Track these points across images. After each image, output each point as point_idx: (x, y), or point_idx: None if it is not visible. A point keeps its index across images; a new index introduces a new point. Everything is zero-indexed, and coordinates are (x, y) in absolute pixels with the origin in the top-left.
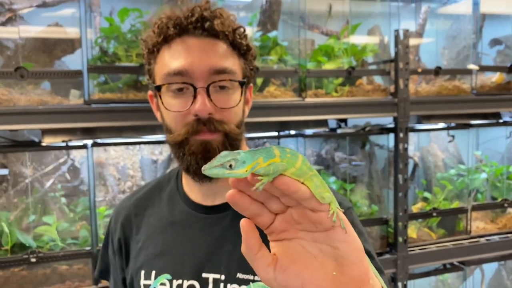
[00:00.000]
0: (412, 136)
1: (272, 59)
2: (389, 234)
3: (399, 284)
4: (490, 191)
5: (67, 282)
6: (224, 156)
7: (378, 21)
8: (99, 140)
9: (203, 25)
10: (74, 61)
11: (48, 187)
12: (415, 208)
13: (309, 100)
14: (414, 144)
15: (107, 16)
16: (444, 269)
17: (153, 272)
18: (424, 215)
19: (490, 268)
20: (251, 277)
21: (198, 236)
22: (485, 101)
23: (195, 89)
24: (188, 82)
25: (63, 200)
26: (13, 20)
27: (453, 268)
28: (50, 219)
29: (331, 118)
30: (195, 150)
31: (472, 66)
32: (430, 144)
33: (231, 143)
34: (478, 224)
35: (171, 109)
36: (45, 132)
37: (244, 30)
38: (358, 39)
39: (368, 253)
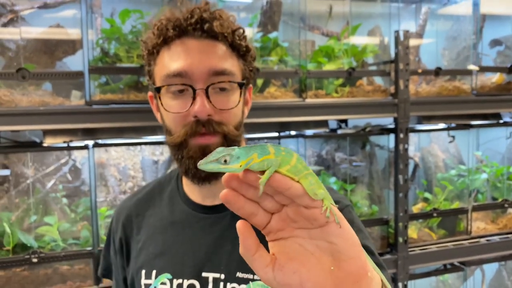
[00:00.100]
0: (412, 137)
1: (272, 60)
2: (390, 234)
3: (400, 285)
4: (491, 192)
5: (68, 282)
6: (219, 151)
7: (378, 22)
8: (100, 141)
9: (202, 27)
10: (75, 62)
11: (49, 188)
12: (416, 209)
13: (309, 100)
14: (415, 145)
15: (108, 17)
16: (445, 270)
17: (154, 272)
18: (424, 216)
19: (490, 269)
20: (250, 276)
21: (198, 236)
22: (485, 102)
23: (194, 90)
24: (188, 84)
25: (65, 200)
26: (14, 21)
27: (454, 268)
28: (51, 219)
29: (332, 119)
30: (193, 154)
31: (472, 67)
32: (431, 145)
33: (230, 145)
34: (479, 224)
35: (171, 110)
36: (46, 132)
37: (244, 31)
38: (359, 40)
39: (368, 249)
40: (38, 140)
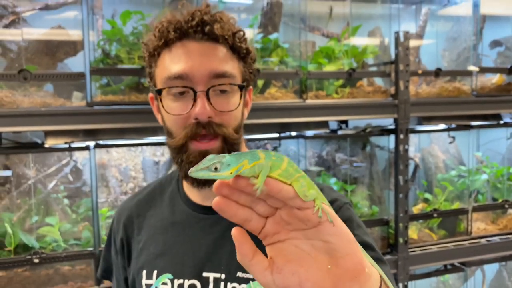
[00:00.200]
0: (412, 137)
1: (273, 61)
2: (390, 235)
3: (400, 285)
4: (491, 192)
5: (70, 282)
6: (210, 159)
7: (378, 23)
8: (101, 142)
9: (203, 29)
10: (76, 64)
11: (50, 188)
12: (416, 209)
13: (310, 101)
14: (415, 145)
15: (110, 19)
16: (445, 270)
17: (155, 272)
18: (424, 216)
19: (491, 269)
20: (251, 276)
21: (198, 236)
22: (486, 103)
23: (195, 92)
24: (188, 86)
25: (66, 201)
26: (16, 22)
27: (454, 269)
28: (52, 220)
29: (332, 120)
30: (193, 159)
31: (472, 68)
32: (431, 145)
33: (229, 148)
34: (479, 225)
35: (172, 112)
36: (48, 133)
37: (244, 34)
38: (359, 41)
39: (367, 244)
40: (39, 141)
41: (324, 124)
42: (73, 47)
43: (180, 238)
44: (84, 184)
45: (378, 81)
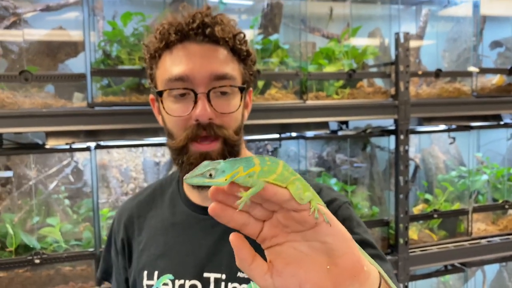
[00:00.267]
0: (413, 138)
1: (273, 62)
2: (390, 235)
3: (401, 286)
4: (491, 193)
5: (71, 283)
6: (205, 165)
7: (378, 24)
8: (102, 143)
9: (204, 31)
10: (77, 65)
11: (51, 189)
12: (416, 210)
13: (310, 102)
14: (415, 146)
15: (110, 20)
16: (445, 271)
17: (156, 273)
18: (425, 217)
19: (491, 270)
20: None
21: (199, 236)
22: (486, 103)
23: (196, 94)
24: (189, 88)
25: (67, 201)
26: (17, 24)
27: (454, 269)
28: (53, 220)
29: (332, 120)
30: (193, 161)
31: (473, 69)
32: (431, 146)
33: (229, 150)
34: (479, 225)
35: (173, 114)
36: (49, 134)
37: (244, 36)
38: (359, 41)
39: (368, 242)
40: (40, 142)
41: (325, 125)
42: (74, 48)
43: (180, 239)
44: (85, 184)
45: (378, 82)
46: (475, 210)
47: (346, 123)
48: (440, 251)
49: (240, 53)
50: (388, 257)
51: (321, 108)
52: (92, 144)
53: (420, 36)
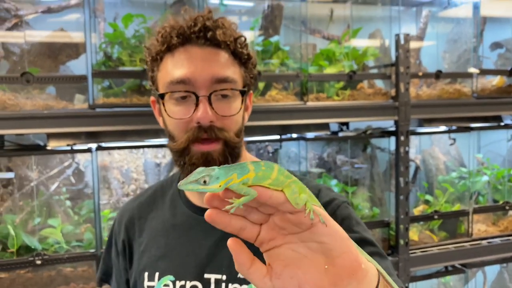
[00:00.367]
0: (413, 139)
1: (274, 64)
2: (391, 236)
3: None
4: (492, 194)
5: (72, 284)
6: (199, 172)
7: (379, 25)
8: (103, 144)
9: (205, 35)
10: (78, 66)
11: (53, 190)
12: (417, 211)
13: (310, 104)
14: (416, 147)
15: (111, 22)
16: (446, 272)
17: (157, 274)
18: (425, 218)
19: (492, 271)
20: None
21: (199, 238)
22: (486, 105)
23: (197, 97)
24: (191, 91)
25: (68, 203)
26: (19, 25)
27: (455, 270)
28: (55, 221)
29: (333, 122)
30: (195, 161)
31: (473, 70)
32: (432, 147)
33: (230, 152)
34: (480, 226)
35: (174, 116)
36: (50, 136)
37: (245, 39)
38: (359, 43)
39: (367, 240)
40: (42, 143)
41: (325, 126)
42: (75, 50)
43: (181, 240)
44: (86, 186)
45: (379, 83)
46: (476, 211)
47: (346, 124)
48: (440, 252)
49: (241, 57)
50: (389, 258)
51: (321, 109)
52: (93, 146)
53: (420, 38)
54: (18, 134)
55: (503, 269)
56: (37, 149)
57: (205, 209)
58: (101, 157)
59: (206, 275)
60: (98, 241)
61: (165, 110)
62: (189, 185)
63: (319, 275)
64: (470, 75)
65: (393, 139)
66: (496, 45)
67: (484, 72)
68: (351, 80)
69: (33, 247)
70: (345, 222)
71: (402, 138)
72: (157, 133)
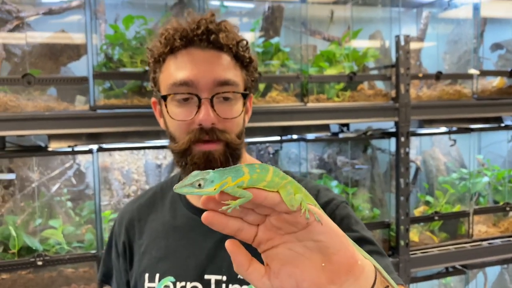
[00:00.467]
0: (414, 140)
1: (274, 65)
2: (391, 237)
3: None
4: (492, 195)
5: (73, 285)
6: (194, 175)
7: (379, 27)
8: (104, 145)
9: (208, 38)
10: (79, 68)
11: (54, 191)
12: (417, 212)
13: (311, 105)
14: (416, 148)
15: (112, 23)
16: (447, 273)
17: (157, 275)
18: (426, 219)
19: (493, 272)
20: None
21: (199, 239)
22: (486, 106)
23: (199, 99)
24: (193, 93)
25: (69, 204)
26: (20, 27)
27: (456, 271)
28: (56, 222)
29: (333, 123)
30: (197, 160)
31: (473, 71)
32: (432, 148)
33: (231, 152)
34: (480, 227)
35: (176, 117)
36: (51, 137)
37: (247, 43)
38: (360, 44)
39: (367, 239)
40: (43, 145)
41: (325, 127)
42: (76, 51)
43: (181, 242)
44: (87, 187)
45: (379, 85)
46: (476, 212)
47: (347, 125)
48: (441, 253)
49: (243, 60)
50: (389, 259)
51: (322, 110)
52: (94, 147)
53: (420, 39)
54: (19, 135)
55: (503, 270)
56: (38, 150)
57: (205, 211)
58: (102, 158)
59: (206, 276)
60: (99, 242)
61: (167, 111)
62: (184, 188)
63: (316, 272)
64: (470, 76)
65: (393, 140)
66: (496, 46)
67: (484, 73)
68: (351, 81)
69: (34, 248)
70: (344, 222)
71: (402, 139)
72: (158, 134)
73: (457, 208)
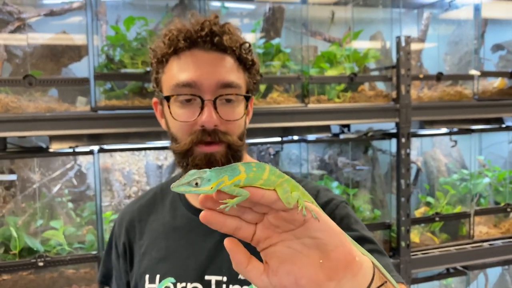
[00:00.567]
0: (415, 141)
1: (275, 66)
2: (392, 238)
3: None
4: (493, 196)
5: (74, 285)
6: (191, 174)
7: (380, 28)
8: (105, 146)
9: (212, 40)
10: (80, 69)
11: (55, 192)
12: (418, 213)
13: (311, 106)
14: (417, 149)
15: (113, 25)
16: (447, 274)
17: (158, 276)
18: (426, 220)
19: (494, 273)
20: None
21: (200, 240)
22: (487, 106)
23: (202, 101)
24: (196, 94)
25: (70, 205)
26: (21, 28)
27: (457, 272)
28: (57, 223)
29: (334, 124)
30: (198, 162)
31: (474, 72)
32: (433, 149)
33: (233, 154)
34: (481, 228)
35: (179, 118)
36: (52, 138)
37: (250, 46)
38: (360, 45)
39: (366, 238)
40: (44, 146)
41: (326, 128)
42: (77, 53)
43: (182, 243)
44: (88, 188)
45: (380, 86)
46: (477, 213)
47: (347, 126)
48: (442, 254)
49: (245, 62)
50: (390, 260)
51: (322, 111)
52: (95, 148)
53: (421, 40)
54: (21, 136)
55: (504, 271)
56: (40, 151)
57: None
58: (103, 159)
59: (206, 277)
60: (100, 243)
61: (169, 112)
62: (181, 187)
63: (314, 269)
64: (471, 77)
65: (394, 141)
66: (497, 47)
67: (485, 74)
68: (352, 82)
69: (35, 249)
70: (344, 221)
71: (403, 140)
72: (159, 135)
73: (458, 209)
